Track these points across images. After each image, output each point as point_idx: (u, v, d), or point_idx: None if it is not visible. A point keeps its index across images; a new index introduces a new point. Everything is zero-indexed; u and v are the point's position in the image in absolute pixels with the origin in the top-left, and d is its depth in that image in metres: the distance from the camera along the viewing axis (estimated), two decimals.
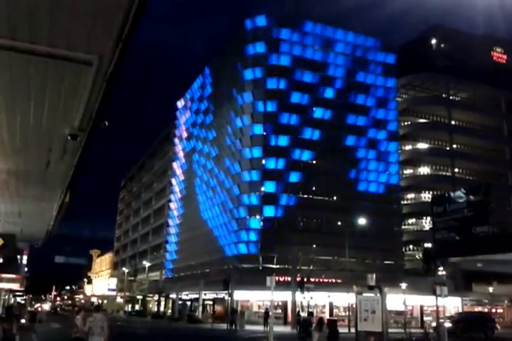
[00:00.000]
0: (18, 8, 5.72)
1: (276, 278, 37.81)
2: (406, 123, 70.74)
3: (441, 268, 44.59)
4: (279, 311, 51.41)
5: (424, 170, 71.42)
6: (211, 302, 59.44)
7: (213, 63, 74.92)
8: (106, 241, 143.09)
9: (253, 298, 53.52)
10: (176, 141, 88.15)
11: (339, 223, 59.68)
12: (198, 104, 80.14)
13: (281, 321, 49.51)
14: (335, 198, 62.45)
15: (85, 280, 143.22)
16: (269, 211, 59.68)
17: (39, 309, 74.24)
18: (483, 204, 39.81)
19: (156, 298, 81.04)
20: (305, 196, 61.10)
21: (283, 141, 61.27)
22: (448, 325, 33.54)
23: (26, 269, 34.25)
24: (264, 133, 61.56)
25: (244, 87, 63.18)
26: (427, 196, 67.03)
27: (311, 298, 46.08)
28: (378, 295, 25.22)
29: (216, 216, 66.71)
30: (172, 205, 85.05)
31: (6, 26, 6.05)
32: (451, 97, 73.59)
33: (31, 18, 5.88)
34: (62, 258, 76.06)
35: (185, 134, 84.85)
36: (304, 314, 42.94)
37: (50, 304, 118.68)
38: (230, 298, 48.06)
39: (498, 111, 73.18)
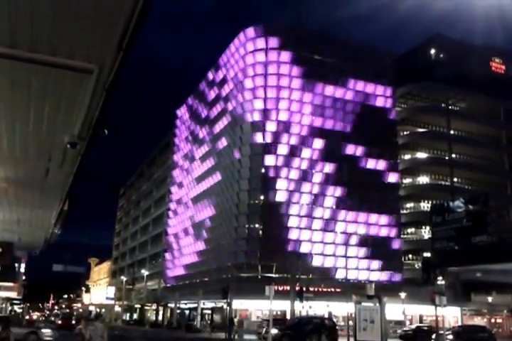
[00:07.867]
0: (20, 17, 5.74)
1: (276, 288, 37.76)
2: (405, 133, 70.79)
3: (440, 278, 44.49)
4: None
5: (423, 179, 71.32)
6: (210, 312, 59.06)
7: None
8: (104, 249, 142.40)
9: (252, 307, 53.19)
10: (175, 149, 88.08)
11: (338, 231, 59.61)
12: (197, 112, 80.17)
13: None
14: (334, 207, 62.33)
15: (83, 288, 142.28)
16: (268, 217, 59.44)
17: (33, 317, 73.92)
18: (482, 213, 39.85)
19: (154, 307, 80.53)
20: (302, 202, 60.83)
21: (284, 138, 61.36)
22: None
23: (24, 277, 34.11)
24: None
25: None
26: (426, 205, 66.88)
27: (310, 307, 45.82)
28: (377, 304, 25.14)
29: (216, 225, 66.43)
30: (171, 213, 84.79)
31: (8, 35, 6.07)
32: (450, 107, 73.64)
33: (32, 27, 5.90)
34: (60, 267, 75.53)
35: (184, 142, 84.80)
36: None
37: (39, 313, 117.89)
38: (228, 307, 47.75)
39: (496, 120, 73.27)
